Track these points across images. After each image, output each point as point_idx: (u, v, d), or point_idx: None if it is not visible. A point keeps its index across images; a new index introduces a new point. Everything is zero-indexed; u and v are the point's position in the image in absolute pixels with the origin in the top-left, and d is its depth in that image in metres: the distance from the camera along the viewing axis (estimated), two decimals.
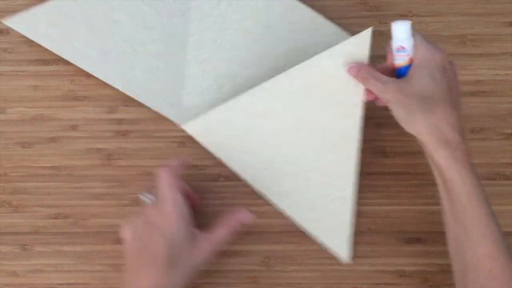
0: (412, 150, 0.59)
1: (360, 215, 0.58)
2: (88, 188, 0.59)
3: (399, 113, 0.50)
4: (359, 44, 0.54)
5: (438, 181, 0.50)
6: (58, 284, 0.57)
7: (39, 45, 0.61)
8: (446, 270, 0.54)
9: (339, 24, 0.61)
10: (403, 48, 0.52)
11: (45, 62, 0.61)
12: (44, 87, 0.61)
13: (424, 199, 0.58)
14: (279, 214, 0.57)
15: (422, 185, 0.58)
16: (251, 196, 0.58)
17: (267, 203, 0.58)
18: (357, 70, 0.54)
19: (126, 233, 0.51)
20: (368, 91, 0.54)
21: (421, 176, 0.58)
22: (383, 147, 0.59)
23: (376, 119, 0.59)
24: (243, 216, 0.53)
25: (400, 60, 0.52)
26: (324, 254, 0.57)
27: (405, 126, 0.51)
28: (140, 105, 0.60)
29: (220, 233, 0.51)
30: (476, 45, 0.61)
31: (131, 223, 0.51)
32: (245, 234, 0.57)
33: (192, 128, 0.58)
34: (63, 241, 0.58)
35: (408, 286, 0.56)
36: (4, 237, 0.58)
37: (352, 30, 0.61)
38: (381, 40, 0.60)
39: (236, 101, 0.57)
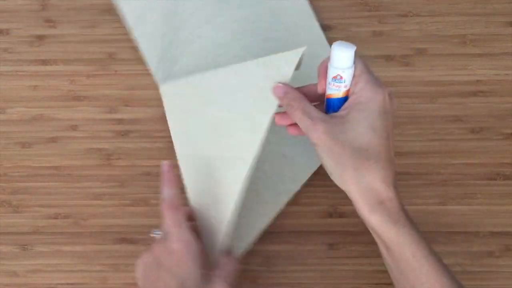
0: (412, 150, 0.59)
1: None
2: (88, 188, 0.59)
3: (327, 162, 0.44)
4: (287, 62, 0.47)
5: (377, 240, 0.46)
6: (58, 284, 0.57)
7: (39, 45, 0.61)
8: None
9: (339, 24, 0.61)
10: (340, 78, 0.44)
11: (45, 62, 0.61)
12: (44, 87, 0.61)
13: (424, 199, 0.58)
14: (279, 214, 0.57)
15: (422, 185, 0.58)
16: None
17: None
18: (282, 92, 0.46)
19: (138, 272, 0.47)
20: (283, 114, 0.47)
21: (421, 176, 0.58)
22: None
23: None
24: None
25: (334, 90, 0.45)
26: (324, 254, 0.57)
27: (333, 178, 0.44)
28: (140, 105, 0.60)
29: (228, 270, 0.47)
30: (476, 45, 0.61)
31: (142, 262, 0.47)
32: None
33: (164, 90, 0.56)
34: (63, 241, 0.58)
35: None
36: (4, 237, 0.58)
37: (352, 30, 0.61)
38: (381, 40, 0.61)
39: (193, 77, 0.53)
